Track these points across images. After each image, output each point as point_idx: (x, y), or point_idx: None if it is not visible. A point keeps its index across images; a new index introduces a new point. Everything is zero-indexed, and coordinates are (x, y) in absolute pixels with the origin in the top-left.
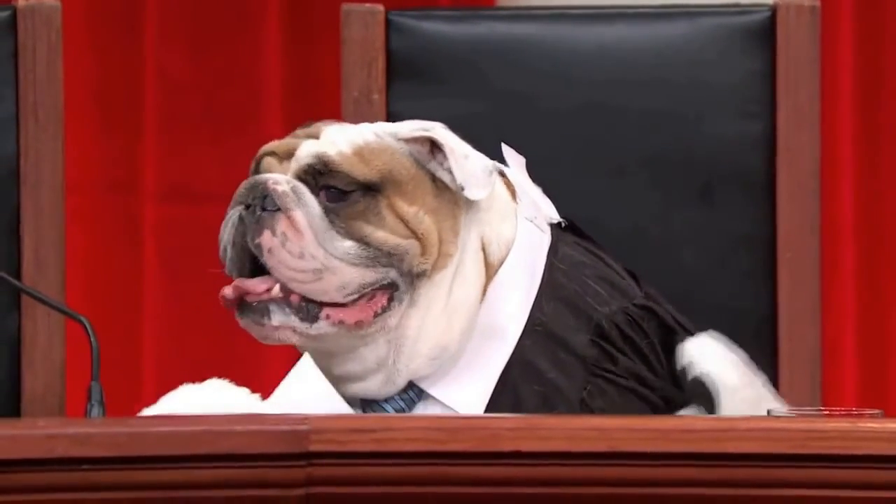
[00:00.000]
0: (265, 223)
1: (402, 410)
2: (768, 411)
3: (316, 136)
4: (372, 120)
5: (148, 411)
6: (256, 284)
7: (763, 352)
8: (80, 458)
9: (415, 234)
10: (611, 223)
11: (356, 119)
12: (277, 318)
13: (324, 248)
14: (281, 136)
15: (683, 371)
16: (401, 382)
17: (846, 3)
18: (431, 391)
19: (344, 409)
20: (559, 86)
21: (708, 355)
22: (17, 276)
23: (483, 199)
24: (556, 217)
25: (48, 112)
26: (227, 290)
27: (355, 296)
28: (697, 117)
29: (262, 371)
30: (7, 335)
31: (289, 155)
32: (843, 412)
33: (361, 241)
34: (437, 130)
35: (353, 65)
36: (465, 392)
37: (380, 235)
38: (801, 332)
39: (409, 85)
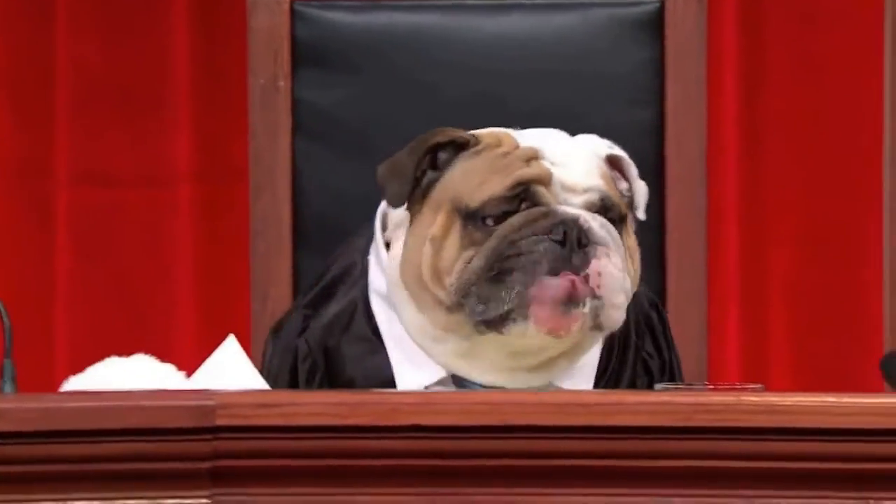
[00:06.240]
0: (591, 254)
1: None
2: (654, 386)
3: (543, 157)
4: (279, 106)
5: (73, 380)
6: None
7: None
8: None
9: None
10: None
11: (264, 104)
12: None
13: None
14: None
15: None
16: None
17: None
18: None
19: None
20: (458, 75)
21: None
22: None
23: None
24: None
25: None
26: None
27: None
28: (590, 105)
29: (172, 353)
30: None
31: (547, 181)
32: (727, 387)
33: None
34: (618, 150)
35: (259, 53)
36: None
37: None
38: (689, 311)
39: (314, 72)
